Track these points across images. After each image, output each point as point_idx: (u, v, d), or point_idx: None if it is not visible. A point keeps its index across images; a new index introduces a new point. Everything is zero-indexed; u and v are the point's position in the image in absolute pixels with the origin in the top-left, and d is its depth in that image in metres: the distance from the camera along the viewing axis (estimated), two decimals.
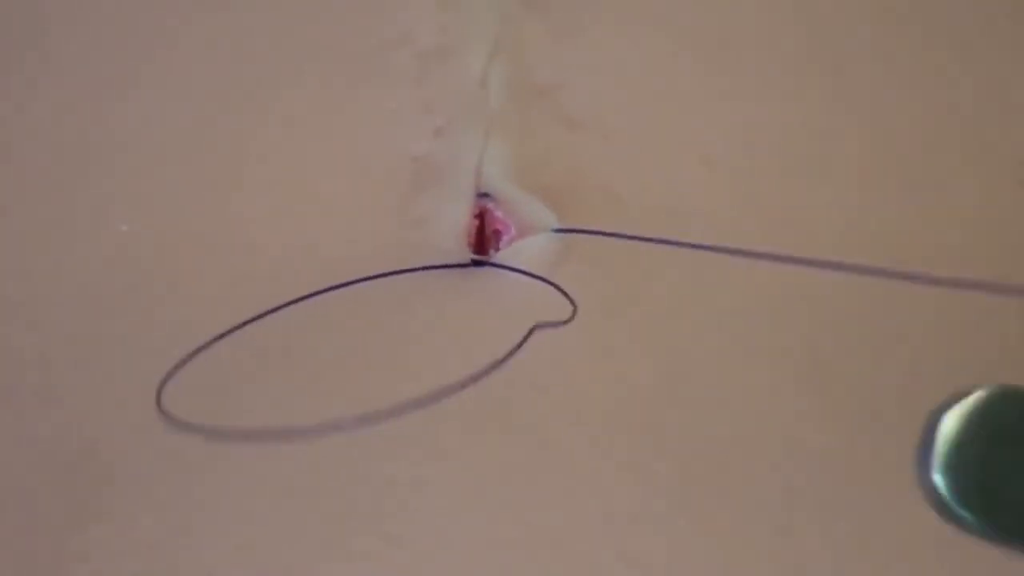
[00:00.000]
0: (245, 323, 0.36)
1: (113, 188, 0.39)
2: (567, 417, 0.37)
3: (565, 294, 0.37)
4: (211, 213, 0.39)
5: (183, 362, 0.35)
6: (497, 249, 0.38)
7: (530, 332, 0.36)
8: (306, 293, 0.38)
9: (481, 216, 0.39)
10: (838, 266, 0.37)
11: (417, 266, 0.37)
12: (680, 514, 0.36)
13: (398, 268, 0.38)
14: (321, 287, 0.38)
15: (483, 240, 0.39)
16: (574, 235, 0.39)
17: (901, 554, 0.36)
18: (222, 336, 0.36)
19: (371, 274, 0.38)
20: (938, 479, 0.32)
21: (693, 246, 0.35)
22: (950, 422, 0.32)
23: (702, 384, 0.38)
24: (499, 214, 0.39)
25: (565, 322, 0.37)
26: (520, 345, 0.36)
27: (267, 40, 0.41)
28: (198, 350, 0.36)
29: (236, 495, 0.36)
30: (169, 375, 0.35)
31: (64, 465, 0.35)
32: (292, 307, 0.37)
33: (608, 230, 0.39)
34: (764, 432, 0.37)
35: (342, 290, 0.38)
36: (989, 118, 0.42)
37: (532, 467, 0.36)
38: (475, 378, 0.35)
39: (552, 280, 0.38)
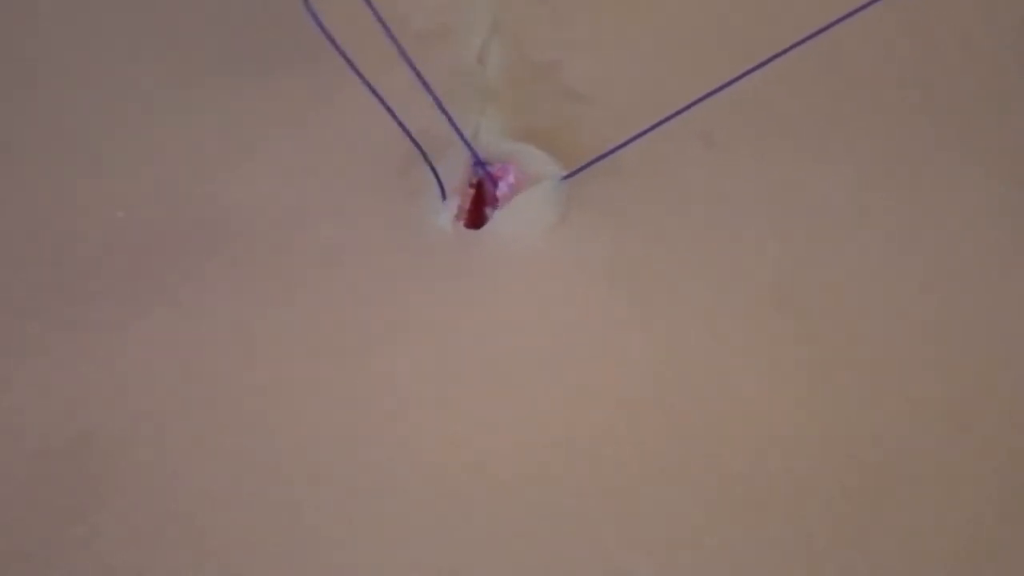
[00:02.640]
0: None
1: (109, 175, 0.39)
2: (568, 390, 0.36)
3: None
4: (208, 196, 0.39)
5: None
6: (495, 202, 0.38)
7: None
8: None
9: (478, 185, 0.38)
10: None
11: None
12: (682, 498, 0.35)
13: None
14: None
15: (479, 208, 0.38)
16: (571, 204, 0.38)
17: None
18: None
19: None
20: None
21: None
22: None
23: (706, 355, 0.37)
24: (494, 169, 0.38)
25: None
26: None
27: (266, 18, 0.41)
28: None
29: (234, 477, 0.35)
30: None
31: (63, 454, 0.35)
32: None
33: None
34: (766, 417, 0.36)
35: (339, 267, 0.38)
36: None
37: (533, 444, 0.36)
38: None
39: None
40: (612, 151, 0.37)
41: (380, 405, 0.36)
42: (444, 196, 0.37)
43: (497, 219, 0.38)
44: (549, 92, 0.40)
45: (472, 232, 0.38)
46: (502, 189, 0.38)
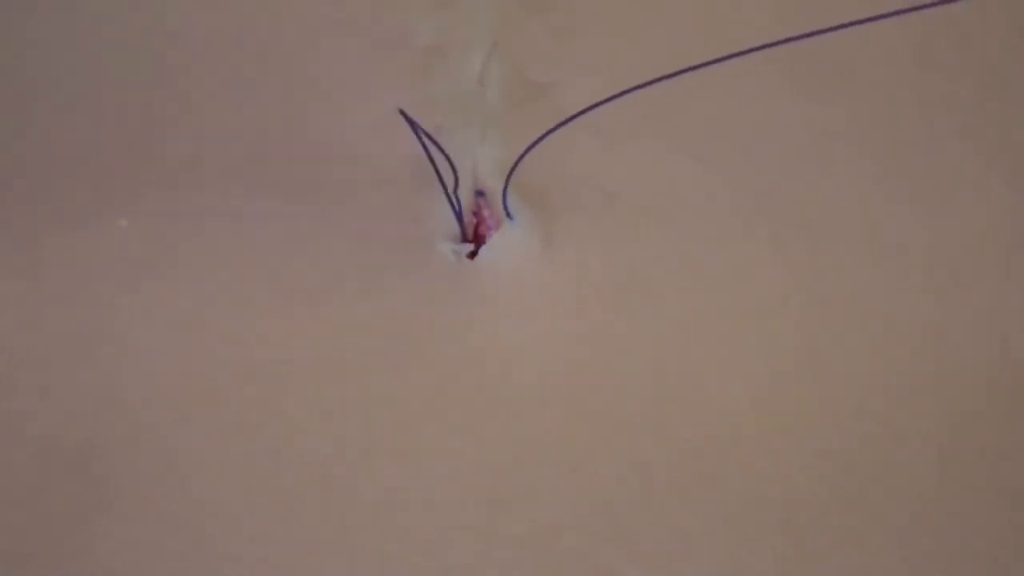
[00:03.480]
0: None
1: (111, 185, 0.39)
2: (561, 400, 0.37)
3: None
4: (208, 214, 0.39)
5: None
6: (484, 243, 0.39)
7: None
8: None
9: (478, 213, 0.39)
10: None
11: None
12: (679, 511, 0.36)
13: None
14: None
15: (479, 237, 0.39)
16: (561, 226, 0.39)
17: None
18: None
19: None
20: None
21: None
22: None
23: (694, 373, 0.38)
24: (486, 212, 0.39)
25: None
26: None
27: (266, 38, 0.41)
28: None
29: (236, 484, 0.36)
30: None
31: (65, 461, 0.36)
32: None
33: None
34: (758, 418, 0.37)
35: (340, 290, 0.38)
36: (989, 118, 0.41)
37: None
38: None
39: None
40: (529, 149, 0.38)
41: (383, 419, 0.37)
42: (461, 225, 0.38)
43: (484, 252, 0.38)
44: (547, 115, 0.40)
45: (468, 260, 0.39)
46: (491, 223, 0.39)
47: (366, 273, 0.38)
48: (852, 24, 0.32)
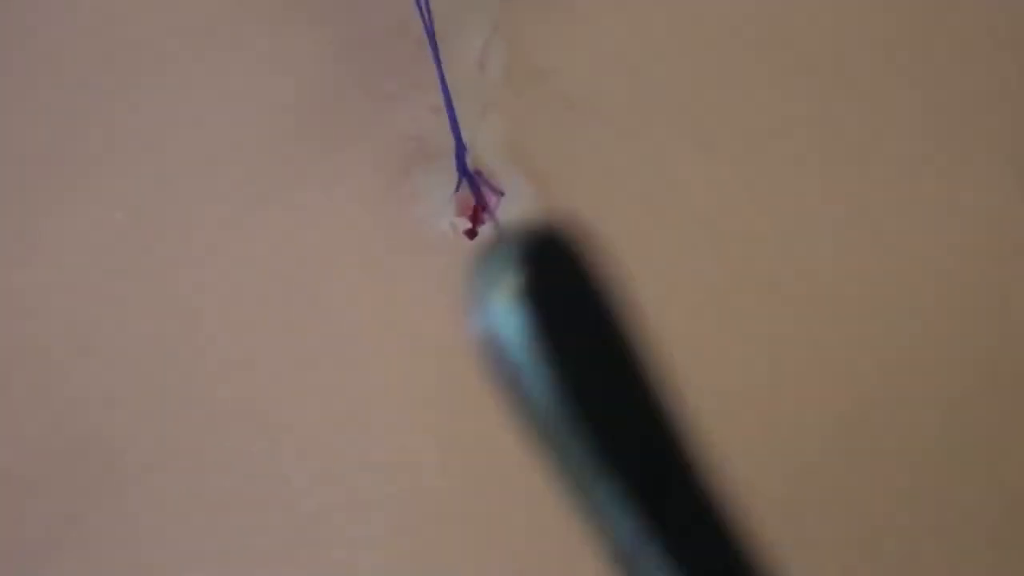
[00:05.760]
0: None
1: (108, 178, 0.39)
2: None
3: None
4: (204, 200, 0.39)
5: None
6: (484, 223, 0.38)
7: None
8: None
9: (476, 193, 0.38)
10: None
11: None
12: None
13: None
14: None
15: (478, 215, 0.38)
16: (563, 207, 0.38)
17: None
18: None
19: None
20: None
21: None
22: None
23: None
24: (486, 189, 0.38)
25: None
26: None
27: (267, 29, 0.41)
28: None
29: (236, 477, 0.36)
30: None
31: (64, 454, 0.36)
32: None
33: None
34: None
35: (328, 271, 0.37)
36: (989, 112, 0.41)
37: None
38: None
39: None
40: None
41: (378, 406, 0.36)
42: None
43: (484, 231, 0.38)
44: (548, 99, 0.40)
45: (467, 239, 0.38)
46: (492, 204, 0.38)
47: (365, 256, 0.38)
48: None
